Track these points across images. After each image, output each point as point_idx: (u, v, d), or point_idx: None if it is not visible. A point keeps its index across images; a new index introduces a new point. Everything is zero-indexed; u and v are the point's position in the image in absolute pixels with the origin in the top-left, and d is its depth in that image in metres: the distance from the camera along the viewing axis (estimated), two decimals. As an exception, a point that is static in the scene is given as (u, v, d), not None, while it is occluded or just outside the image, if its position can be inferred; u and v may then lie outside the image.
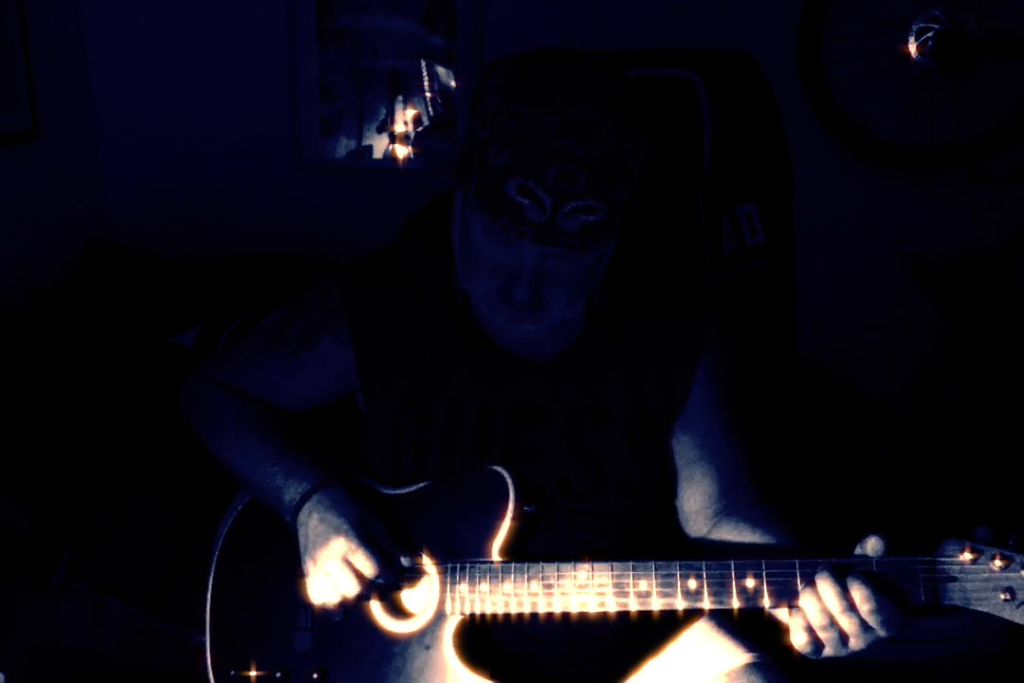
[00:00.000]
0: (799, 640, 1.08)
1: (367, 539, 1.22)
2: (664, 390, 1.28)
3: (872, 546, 1.09)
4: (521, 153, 1.07)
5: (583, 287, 1.19)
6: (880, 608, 1.04)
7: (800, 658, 1.11)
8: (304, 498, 1.26)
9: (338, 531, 1.22)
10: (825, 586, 1.06)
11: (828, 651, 1.08)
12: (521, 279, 1.13)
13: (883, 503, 1.93)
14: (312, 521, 1.24)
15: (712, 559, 1.14)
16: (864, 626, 1.05)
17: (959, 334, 2.77)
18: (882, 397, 2.51)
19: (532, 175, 1.06)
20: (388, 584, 1.23)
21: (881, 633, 1.05)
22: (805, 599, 1.07)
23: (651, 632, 1.33)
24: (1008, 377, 2.75)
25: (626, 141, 1.08)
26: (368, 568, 1.20)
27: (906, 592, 1.06)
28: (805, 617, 1.07)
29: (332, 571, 1.21)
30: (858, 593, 1.04)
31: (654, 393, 1.28)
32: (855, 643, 1.06)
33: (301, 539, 1.25)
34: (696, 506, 1.31)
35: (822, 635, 1.07)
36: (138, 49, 2.49)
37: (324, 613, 1.26)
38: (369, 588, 1.21)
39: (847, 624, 1.05)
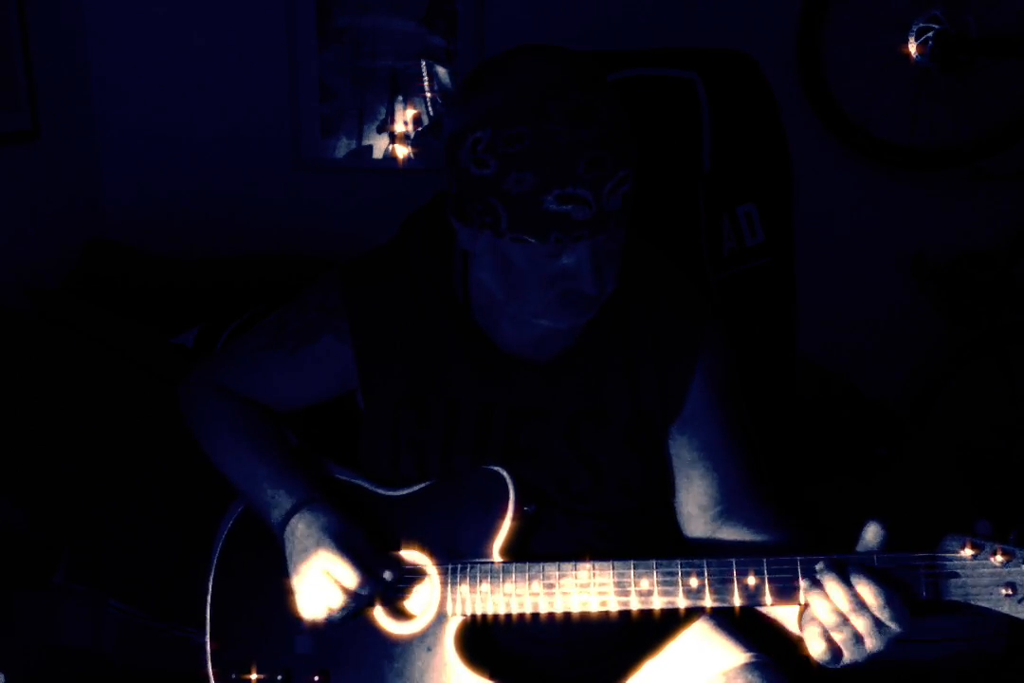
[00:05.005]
0: (817, 648, 1.06)
1: (349, 551, 1.21)
2: (662, 390, 1.28)
3: (872, 533, 1.07)
4: (544, 166, 1.05)
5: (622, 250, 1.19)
6: (889, 602, 1.02)
7: (817, 667, 1.09)
8: (289, 514, 1.26)
9: (319, 544, 1.22)
10: (832, 585, 1.05)
11: (847, 656, 1.06)
12: (585, 277, 1.13)
13: (883, 503, 1.93)
14: (296, 536, 1.24)
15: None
16: (877, 623, 1.03)
17: (959, 334, 2.77)
18: (882, 397, 2.51)
19: (566, 180, 1.05)
20: (372, 595, 1.22)
21: (894, 629, 1.03)
22: (814, 600, 1.06)
23: (650, 632, 1.33)
24: (1008, 377, 2.76)
25: (609, 100, 1.08)
26: (349, 580, 1.19)
27: (911, 587, 1.05)
28: (818, 621, 1.06)
29: (315, 584, 1.21)
30: (865, 589, 1.03)
31: (652, 394, 1.28)
32: (871, 643, 1.04)
33: (287, 554, 1.26)
34: (695, 508, 1.31)
35: (836, 637, 1.05)
36: (138, 49, 2.48)
37: (315, 626, 1.25)
38: (354, 599, 1.21)
39: (860, 623, 1.03)
